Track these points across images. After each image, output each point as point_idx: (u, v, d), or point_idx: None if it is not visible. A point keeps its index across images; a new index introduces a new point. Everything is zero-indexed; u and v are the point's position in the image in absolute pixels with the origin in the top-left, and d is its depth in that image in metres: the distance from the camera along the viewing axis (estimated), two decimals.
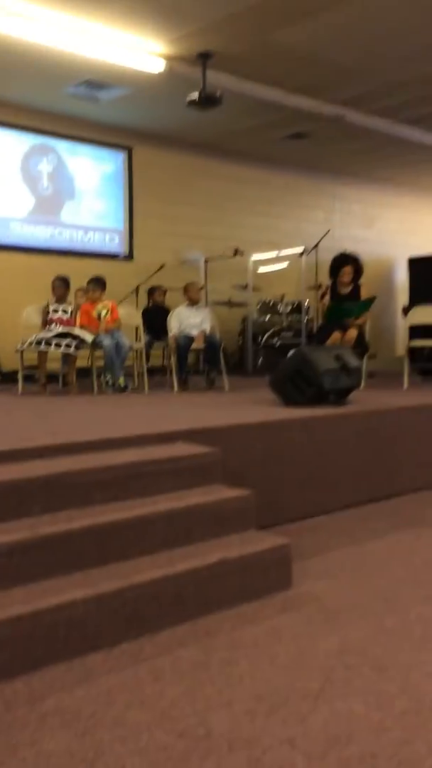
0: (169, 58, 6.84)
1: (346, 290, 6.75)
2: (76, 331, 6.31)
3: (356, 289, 6.76)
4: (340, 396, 4.96)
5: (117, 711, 2.02)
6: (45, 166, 8.44)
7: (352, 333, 6.41)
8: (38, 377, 6.38)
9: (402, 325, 8.97)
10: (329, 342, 6.30)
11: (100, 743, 1.87)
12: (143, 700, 2.08)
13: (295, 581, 3.04)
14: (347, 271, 6.71)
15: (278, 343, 8.97)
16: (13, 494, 2.91)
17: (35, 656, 2.31)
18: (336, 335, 6.38)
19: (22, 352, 6.28)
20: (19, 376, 6.32)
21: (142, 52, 6.70)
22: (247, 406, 5.14)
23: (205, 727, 1.93)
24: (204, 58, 6.82)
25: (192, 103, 6.99)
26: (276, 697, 2.09)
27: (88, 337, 6.28)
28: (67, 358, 6.53)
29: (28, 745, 1.87)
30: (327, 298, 6.81)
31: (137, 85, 7.40)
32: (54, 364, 6.92)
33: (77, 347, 6.27)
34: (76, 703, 2.07)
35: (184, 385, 6.71)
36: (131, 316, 7.19)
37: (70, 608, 2.44)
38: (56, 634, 2.38)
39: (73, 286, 6.83)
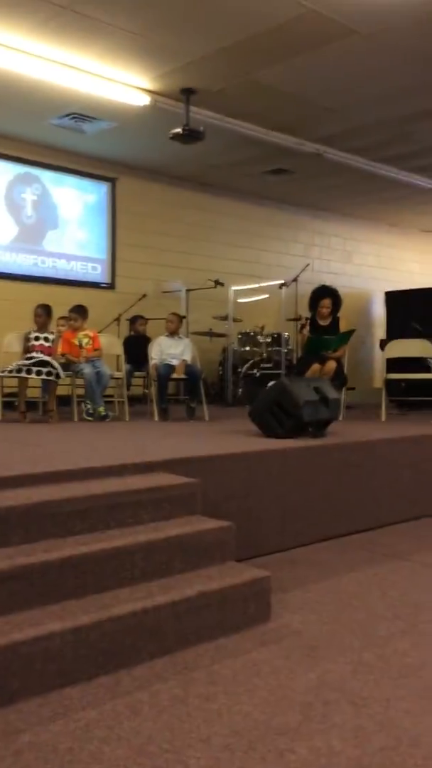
0: (154, 94, 6.96)
1: (325, 322, 6.84)
2: (54, 361, 6.29)
3: (335, 322, 6.85)
4: (319, 428, 4.99)
5: (94, 746, 2.00)
6: (29, 195, 8.49)
7: (331, 365, 6.48)
8: (18, 404, 6.35)
9: (379, 358, 9.08)
10: (308, 374, 6.36)
11: None
12: (121, 735, 2.06)
13: (274, 614, 3.03)
14: (326, 304, 6.81)
15: (258, 374, 9.03)
16: None
17: (10, 689, 2.28)
18: (315, 367, 6.45)
19: (1, 379, 6.25)
20: None
21: (128, 86, 6.82)
22: (227, 436, 5.15)
23: (182, 763, 1.91)
24: (187, 94, 6.96)
25: (175, 136, 7.10)
26: (254, 732, 2.07)
27: (61, 372, 6.27)
28: (47, 386, 6.51)
29: None
30: (306, 330, 6.89)
31: (122, 119, 7.51)
32: (35, 392, 6.89)
33: (58, 375, 6.26)
34: (52, 738, 2.04)
35: (164, 414, 6.72)
36: (112, 345, 7.21)
37: (46, 640, 2.41)
38: (32, 667, 2.35)
39: (55, 314, 6.84)
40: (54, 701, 2.28)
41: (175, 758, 1.93)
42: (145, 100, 6.99)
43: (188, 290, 9.29)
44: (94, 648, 2.50)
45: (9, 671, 2.29)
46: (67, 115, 7.44)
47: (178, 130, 7.03)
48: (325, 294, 6.86)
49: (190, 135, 7.07)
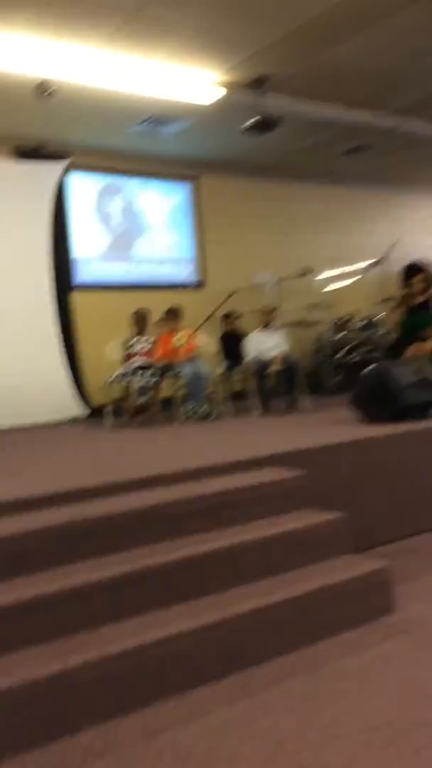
0: (226, 87, 6.95)
1: (419, 300, 6.63)
2: (155, 365, 6.42)
3: (430, 299, 6.63)
4: (423, 410, 4.85)
5: (231, 747, 2.02)
6: (117, 205, 8.68)
7: (430, 344, 6.28)
8: (125, 410, 6.52)
9: None
10: (407, 355, 6.19)
11: None
12: (256, 734, 2.08)
13: (398, 605, 2.98)
14: (419, 281, 6.60)
15: (355, 360, 8.87)
16: (110, 529, 2.97)
17: (145, 692, 2.35)
18: (413, 348, 6.27)
19: (108, 386, 6.43)
20: (107, 411, 6.46)
21: (199, 83, 6.84)
22: (331, 426, 5.09)
23: (320, 762, 1.90)
24: (259, 83, 6.91)
25: (250, 128, 7.07)
26: (389, 728, 2.04)
27: (162, 375, 6.38)
28: (150, 390, 6.64)
29: None
30: (401, 310, 6.71)
31: (197, 116, 7.54)
32: (139, 397, 7.05)
33: (159, 378, 6.37)
34: (189, 740, 2.08)
35: (265, 408, 6.72)
36: (209, 343, 7.27)
37: (174, 642, 2.47)
38: (163, 668, 2.41)
39: (151, 318, 6.97)
40: (188, 702, 2.32)
41: (312, 756, 1.93)
42: (218, 94, 6.99)
43: (278, 281, 9.23)
44: (220, 647, 2.54)
45: (142, 673, 2.36)
46: (144, 121, 7.55)
47: (253, 120, 6.99)
48: (418, 270, 6.66)
49: (266, 124, 7.02)
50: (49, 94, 6.13)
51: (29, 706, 2.19)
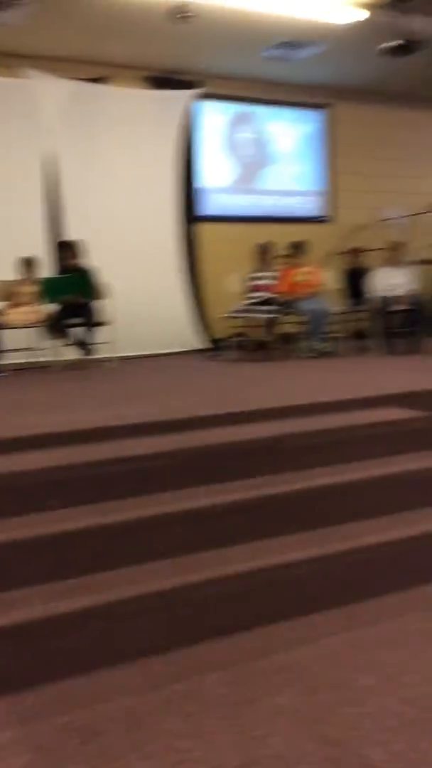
0: (365, 6, 6.57)
1: None
2: (276, 299, 6.38)
3: None
4: None
5: (344, 673, 2.07)
6: (246, 134, 8.53)
7: None
8: (245, 344, 6.56)
9: None
10: None
11: (328, 704, 1.94)
12: (369, 664, 2.11)
13: None
14: None
15: None
16: (231, 457, 3.05)
17: (262, 612, 2.43)
18: None
19: (229, 319, 6.48)
20: (227, 344, 6.53)
21: (337, 3, 6.49)
22: None
23: None
24: (400, 2, 6.47)
25: (389, 50, 6.68)
26: None
27: (283, 310, 6.32)
28: (270, 325, 6.63)
29: (261, 700, 1.98)
30: None
31: (332, 40, 7.19)
32: (258, 331, 7.06)
33: (280, 313, 6.34)
34: (302, 662, 2.15)
35: (387, 348, 6.55)
36: (332, 280, 7.13)
37: (291, 568, 2.53)
38: (279, 592, 2.49)
39: (275, 251, 6.89)
40: (301, 626, 2.39)
41: (428, 690, 1.95)
42: (358, 15, 6.62)
43: (408, 216, 8.82)
44: (336, 577, 2.58)
45: (259, 595, 2.45)
46: (278, 45, 7.29)
47: (393, 43, 6.60)
48: None
49: (407, 47, 6.61)
50: (185, 17, 6.02)
51: (153, 615, 2.32)
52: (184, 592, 2.38)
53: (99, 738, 1.84)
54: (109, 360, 6.12)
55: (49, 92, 7.04)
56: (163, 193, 7.71)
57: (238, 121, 8.48)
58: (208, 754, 1.75)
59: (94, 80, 7.31)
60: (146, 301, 7.22)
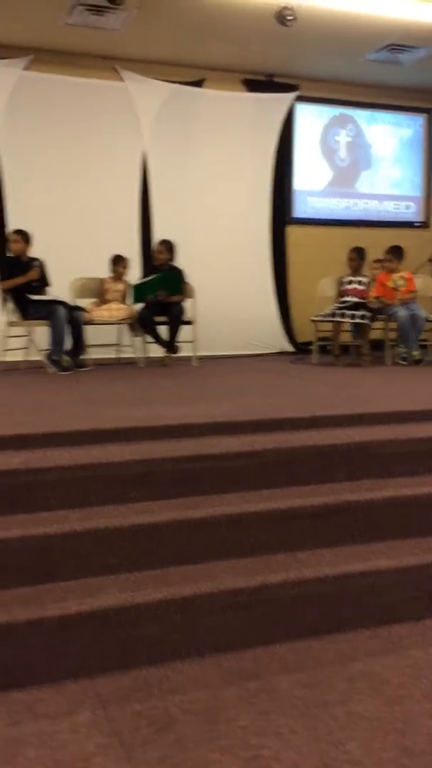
0: None
1: None
2: (368, 305, 6.26)
3: None
4: None
5: (426, 685, 1.99)
6: (343, 138, 8.42)
7: None
8: (332, 348, 6.47)
9: None
10: None
11: (410, 715, 1.87)
12: None
13: None
14: None
15: None
16: (317, 460, 3.00)
17: (342, 618, 2.37)
18: None
19: (316, 323, 6.41)
20: (314, 347, 6.46)
21: None
22: None
23: None
24: None
25: None
26: None
27: (375, 316, 6.19)
28: (360, 330, 6.51)
29: (338, 705, 1.93)
30: None
31: None
32: (347, 335, 6.95)
33: (371, 319, 6.22)
34: (383, 671, 2.08)
35: None
36: (428, 286, 6.94)
37: (375, 576, 2.46)
38: (361, 599, 2.42)
39: (369, 257, 6.77)
40: (383, 636, 2.31)
41: None
42: None
43: None
44: (420, 589, 2.49)
45: (340, 600, 2.39)
46: (384, 48, 7.16)
47: None
48: None
49: None
50: (289, 20, 6.00)
51: (229, 612, 2.30)
52: (263, 592, 2.34)
53: (173, 728, 1.83)
54: (193, 359, 6.16)
55: (146, 95, 7.17)
56: (257, 195, 7.72)
57: (335, 123, 8.38)
58: (283, 753, 1.72)
59: (191, 83, 7.40)
60: (232, 302, 7.25)
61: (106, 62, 7.01)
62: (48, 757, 1.72)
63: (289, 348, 7.65)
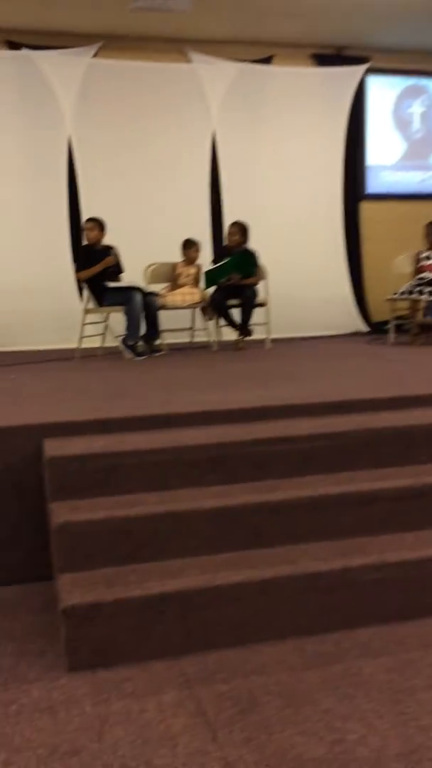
0: None
1: None
2: None
3: None
4: None
5: None
6: (417, 108, 8.16)
7: None
8: (409, 327, 6.31)
9: None
10: None
11: None
12: None
13: None
14: None
15: None
16: (398, 441, 2.94)
17: (426, 603, 2.33)
18: None
19: (392, 301, 6.27)
20: (390, 327, 6.33)
21: None
22: None
23: None
24: None
25: None
26: None
27: None
28: None
29: (425, 690, 1.90)
30: None
31: None
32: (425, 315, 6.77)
33: None
34: None
35: None
36: None
37: None
38: None
39: None
40: None
41: None
42: None
43: None
44: None
45: (423, 585, 2.35)
46: None
47: None
48: None
49: None
50: None
51: (310, 595, 2.29)
52: (344, 576, 2.33)
53: (257, 709, 1.85)
54: (266, 341, 6.13)
55: (214, 75, 7.12)
56: (329, 171, 7.59)
57: (408, 95, 8.12)
58: (367, 738, 1.71)
59: (260, 61, 7.31)
60: (305, 282, 7.16)
61: (173, 45, 7.00)
62: (135, 735, 1.77)
63: (364, 328, 7.51)
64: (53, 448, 2.72)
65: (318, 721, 1.79)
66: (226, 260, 6.03)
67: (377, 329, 7.21)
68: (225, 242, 6.39)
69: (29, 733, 1.79)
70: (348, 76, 7.58)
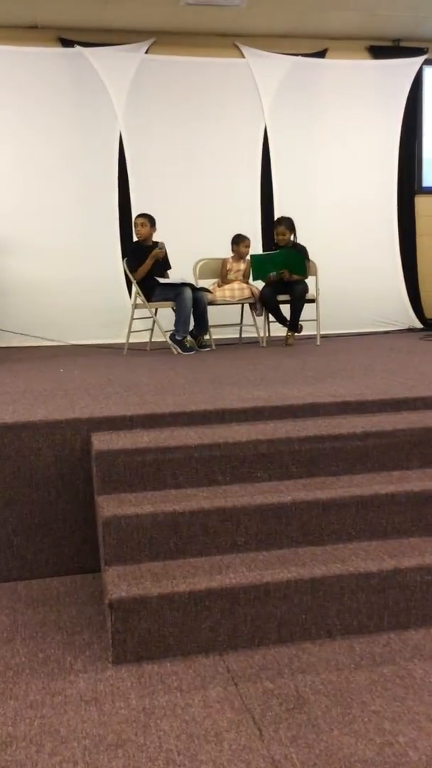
0: None
1: None
2: None
3: None
4: None
5: None
6: None
7: None
8: None
9: None
10: None
11: None
12: None
13: None
14: None
15: None
16: None
17: None
18: None
19: None
20: None
21: None
22: None
23: None
24: None
25: None
26: None
27: None
28: None
29: None
30: None
31: None
32: None
33: None
34: None
35: None
36: None
37: None
38: None
39: None
40: None
41: None
42: None
43: None
44: None
45: None
46: None
47: None
48: None
49: None
50: None
51: (361, 595, 2.25)
52: (395, 576, 2.27)
53: (305, 708, 1.82)
54: (317, 337, 6.06)
55: (267, 69, 7.08)
56: (384, 165, 7.46)
57: None
58: (419, 741, 1.66)
59: (313, 54, 7.22)
60: (357, 277, 7.07)
61: (225, 40, 6.97)
62: (181, 729, 1.75)
63: (418, 324, 7.37)
64: (102, 442, 2.73)
65: (367, 722, 1.74)
66: (275, 252, 5.98)
67: (431, 326, 7.07)
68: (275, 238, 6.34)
69: (75, 724, 1.79)
70: (405, 67, 7.44)
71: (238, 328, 6.31)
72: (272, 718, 1.79)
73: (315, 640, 2.19)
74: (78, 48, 6.67)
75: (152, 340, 6.06)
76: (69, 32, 6.67)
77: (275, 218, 6.38)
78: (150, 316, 5.88)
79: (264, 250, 6.59)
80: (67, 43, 6.71)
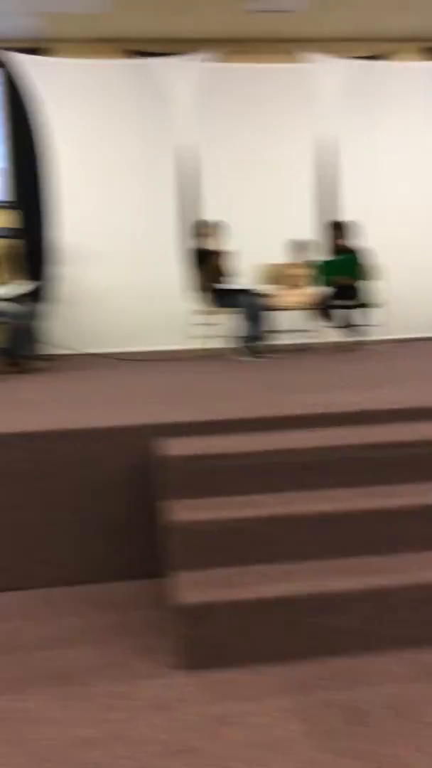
0: None
1: None
2: None
3: None
4: None
5: None
6: None
7: None
8: None
9: None
10: None
11: None
12: None
13: None
14: None
15: None
16: None
17: None
18: None
19: None
20: None
21: None
22: None
23: None
24: None
25: None
26: None
27: None
28: None
29: None
30: None
31: None
32: None
33: None
34: None
35: None
36: None
37: None
38: None
39: None
40: None
41: None
42: None
43: None
44: None
45: None
46: None
47: None
48: None
49: None
50: None
51: (424, 607, 2.23)
52: None
53: (364, 720, 1.82)
54: (380, 342, 6.00)
55: (326, 74, 7.05)
56: None
57: None
58: None
59: (372, 58, 7.16)
60: (423, 281, 6.96)
61: (285, 46, 6.98)
62: (246, 738, 1.78)
63: None
64: (167, 447, 2.78)
65: (429, 736, 1.74)
66: (338, 257, 5.96)
67: None
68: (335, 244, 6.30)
69: (143, 729, 1.84)
70: None
71: (299, 333, 6.30)
72: (331, 728, 1.80)
73: (375, 651, 2.19)
74: (142, 59, 6.81)
75: (215, 346, 6.11)
76: (132, 43, 6.81)
77: (335, 223, 6.35)
78: (214, 322, 5.93)
79: (325, 256, 6.56)
80: (131, 53, 6.85)
